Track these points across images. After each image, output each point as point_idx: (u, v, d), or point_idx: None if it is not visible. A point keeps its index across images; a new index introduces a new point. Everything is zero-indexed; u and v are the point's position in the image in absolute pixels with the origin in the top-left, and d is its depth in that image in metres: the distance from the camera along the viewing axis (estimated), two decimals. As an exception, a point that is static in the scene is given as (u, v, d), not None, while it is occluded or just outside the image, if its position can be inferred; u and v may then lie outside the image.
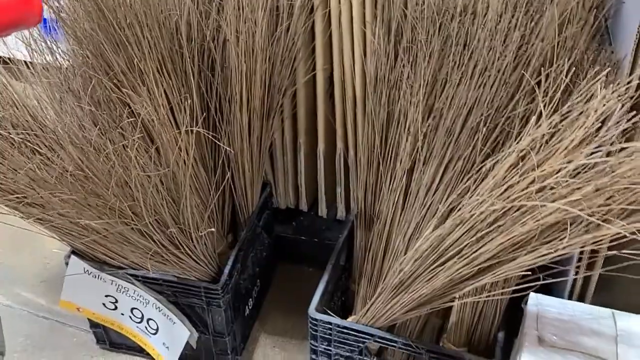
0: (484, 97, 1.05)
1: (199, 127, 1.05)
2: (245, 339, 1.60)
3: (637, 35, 0.93)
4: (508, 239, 0.90)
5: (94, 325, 1.54)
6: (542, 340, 1.09)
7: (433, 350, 1.22)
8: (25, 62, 1.20)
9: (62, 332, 1.61)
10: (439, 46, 1.15)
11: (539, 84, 0.97)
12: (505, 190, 0.87)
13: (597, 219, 0.78)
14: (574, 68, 0.93)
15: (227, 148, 1.27)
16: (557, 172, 0.80)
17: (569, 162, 0.80)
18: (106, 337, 1.56)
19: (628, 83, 0.87)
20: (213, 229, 1.19)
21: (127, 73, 1.03)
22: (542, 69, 0.97)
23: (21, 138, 1.05)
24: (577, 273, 1.16)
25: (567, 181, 0.80)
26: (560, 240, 0.83)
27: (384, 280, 1.22)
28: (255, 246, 1.55)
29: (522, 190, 0.84)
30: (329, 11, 1.35)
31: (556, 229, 0.86)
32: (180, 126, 1.00)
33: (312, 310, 1.30)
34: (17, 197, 1.04)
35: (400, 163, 1.23)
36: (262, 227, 1.59)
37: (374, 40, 1.24)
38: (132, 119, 0.95)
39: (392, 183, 1.27)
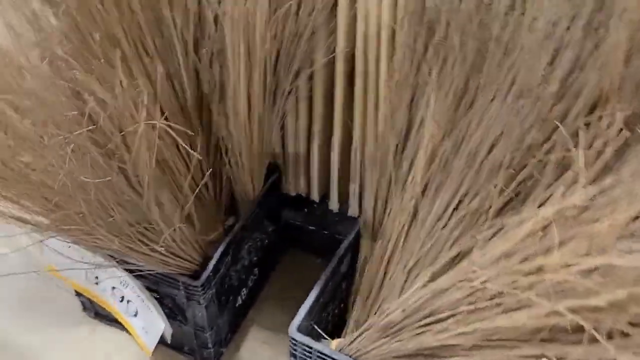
0: (515, 128, 0.83)
1: (162, 121, 0.89)
2: (234, 329, 1.49)
3: None
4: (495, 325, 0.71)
5: (79, 293, 1.47)
6: None
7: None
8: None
9: (58, 293, 1.55)
10: (474, 48, 0.93)
11: (587, 126, 0.75)
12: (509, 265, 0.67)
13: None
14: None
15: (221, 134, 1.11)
16: (570, 266, 0.60)
17: (595, 256, 0.59)
18: (91, 306, 1.49)
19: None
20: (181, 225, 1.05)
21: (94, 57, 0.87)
22: (596, 109, 0.74)
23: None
24: None
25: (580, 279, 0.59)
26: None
27: (373, 315, 1.06)
28: (253, 236, 1.41)
29: (526, 275, 0.64)
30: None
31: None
32: (139, 117, 0.84)
33: (292, 329, 1.15)
34: None
35: (412, 182, 1.04)
36: (265, 215, 1.44)
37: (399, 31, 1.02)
38: (73, 113, 0.80)
39: (401, 202, 1.08)
